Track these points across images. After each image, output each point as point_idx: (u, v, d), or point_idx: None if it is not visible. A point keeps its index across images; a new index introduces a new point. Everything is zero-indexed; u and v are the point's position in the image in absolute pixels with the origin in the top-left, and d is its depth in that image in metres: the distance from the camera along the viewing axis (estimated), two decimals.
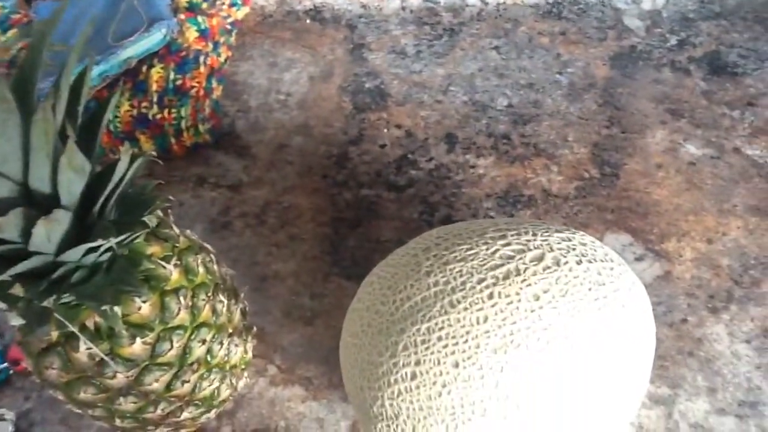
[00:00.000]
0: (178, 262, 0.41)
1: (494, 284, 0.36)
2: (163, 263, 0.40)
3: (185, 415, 0.43)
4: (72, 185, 0.35)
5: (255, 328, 0.51)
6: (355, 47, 0.71)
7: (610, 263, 0.39)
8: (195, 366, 0.42)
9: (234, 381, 0.47)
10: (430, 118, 0.65)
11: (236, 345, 0.46)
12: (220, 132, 0.66)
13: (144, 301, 0.38)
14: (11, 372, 0.57)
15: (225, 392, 0.46)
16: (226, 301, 0.45)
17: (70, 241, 0.35)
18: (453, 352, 0.35)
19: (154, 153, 0.37)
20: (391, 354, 0.36)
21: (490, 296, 0.36)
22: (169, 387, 0.40)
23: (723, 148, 0.59)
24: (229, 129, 0.67)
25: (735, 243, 0.54)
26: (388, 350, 0.36)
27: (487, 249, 0.38)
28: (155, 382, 0.39)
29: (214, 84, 0.66)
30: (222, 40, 0.69)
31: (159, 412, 0.41)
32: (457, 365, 0.35)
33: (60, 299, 0.36)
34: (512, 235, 0.39)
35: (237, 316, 0.47)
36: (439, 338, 0.35)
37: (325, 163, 0.64)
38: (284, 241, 0.60)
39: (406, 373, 0.36)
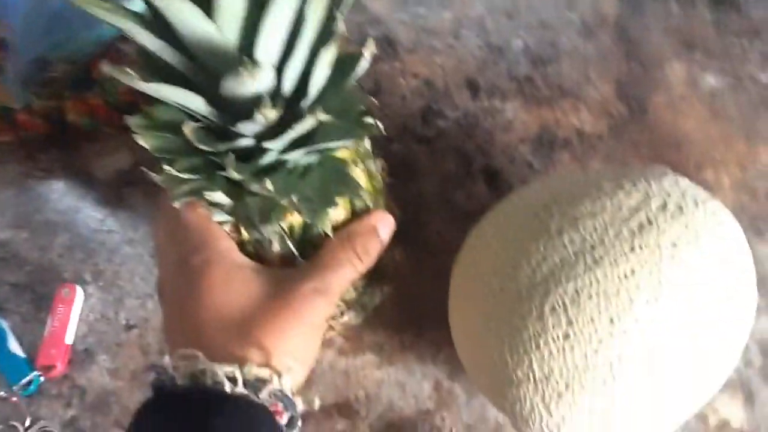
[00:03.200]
0: (363, 167, 0.40)
1: (632, 237, 0.36)
2: (355, 167, 0.39)
3: (344, 319, 0.44)
4: (320, 81, 0.33)
5: None
6: None
7: (715, 201, 0.40)
8: (367, 272, 0.41)
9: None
10: (447, 65, 0.63)
11: None
12: None
13: (338, 206, 0.37)
14: (42, 380, 0.52)
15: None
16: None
17: (298, 139, 0.34)
18: (606, 309, 0.35)
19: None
20: (537, 317, 0.36)
21: (632, 249, 0.36)
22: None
23: (739, 76, 0.61)
24: None
25: (767, 167, 0.57)
26: (532, 313, 0.36)
27: (611, 202, 0.38)
28: None
29: None
30: None
31: None
32: (612, 321, 0.35)
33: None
34: (629, 185, 0.39)
35: None
36: (589, 296, 0.35)
37: None
38: None
39: (557, 335, 0.35)
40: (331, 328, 0.46)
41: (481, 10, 0.65)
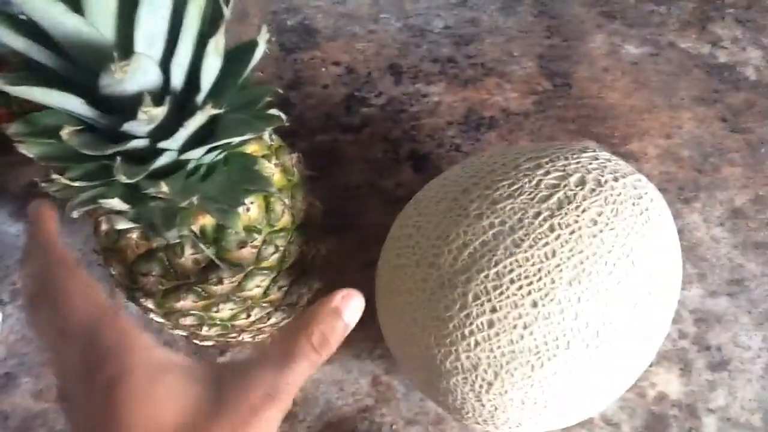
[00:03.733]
0: (277, 162, 0.38)
1: (551, 216, 0.35)
2: (267, 163, 0.37)
3: (272, 320, 0.42)
4: (212, 73, 0.31)
5: None
6: None
7: (636, 174, 0.40)
8: (291, 270, 0.40)
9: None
10: (368, 50, 0.61)
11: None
12: None
13: (252, 204, 0.36)
14: None
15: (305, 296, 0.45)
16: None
17: (196, 137, 0.32)
18: (529, 293, 0.34)
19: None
20: (461, 306, 0.35)
21: (552, 229, 0.35)
22: (266, 292, 0.39)
23: (659, 44, 0.61)
24: None
25: (690, 134, 0.57)
26: (456, 303, 0.35)
27: (529, 181, 0.37)
28: (256, 287, 0.38)
29: None
30: None
31: (251, 318, 0.40)
32: (535, 304, 0.34)
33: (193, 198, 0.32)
34: (547, 163, 0.38)
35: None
36: (512, 281, 0.34)
37: None
38: None
39: (482, 323, 0.34)
40: (260, 331, 0.44)
41: None
